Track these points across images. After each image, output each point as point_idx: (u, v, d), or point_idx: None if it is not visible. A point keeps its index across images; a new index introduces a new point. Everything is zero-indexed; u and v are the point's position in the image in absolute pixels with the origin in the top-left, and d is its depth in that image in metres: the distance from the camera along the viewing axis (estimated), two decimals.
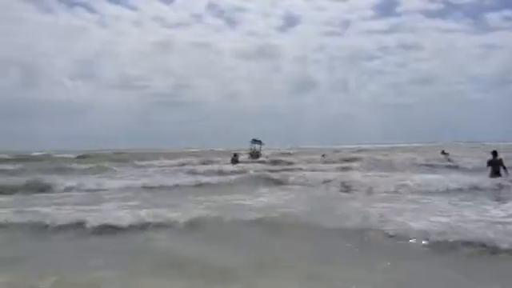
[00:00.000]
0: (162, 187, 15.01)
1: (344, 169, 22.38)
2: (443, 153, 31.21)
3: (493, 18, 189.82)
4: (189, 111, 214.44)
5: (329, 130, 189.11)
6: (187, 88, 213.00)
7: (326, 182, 14.54)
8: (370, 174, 17.46)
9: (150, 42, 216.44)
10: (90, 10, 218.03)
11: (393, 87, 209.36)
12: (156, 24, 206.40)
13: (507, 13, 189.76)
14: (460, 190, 12.14)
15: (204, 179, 16.80)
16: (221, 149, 68.49)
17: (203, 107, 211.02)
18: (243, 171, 21.14)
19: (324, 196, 12.19)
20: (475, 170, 18.79)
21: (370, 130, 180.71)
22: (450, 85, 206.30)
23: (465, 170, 20.07)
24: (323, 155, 36.90)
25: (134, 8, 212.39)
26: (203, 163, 30.38)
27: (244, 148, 38.57)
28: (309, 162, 29.79)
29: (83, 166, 26.64)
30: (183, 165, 29.27)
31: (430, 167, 22.58)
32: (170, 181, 16.48)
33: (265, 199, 11.00)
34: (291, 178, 15.90)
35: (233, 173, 20.68)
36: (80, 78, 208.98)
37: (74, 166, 27.88)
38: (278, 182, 15.50)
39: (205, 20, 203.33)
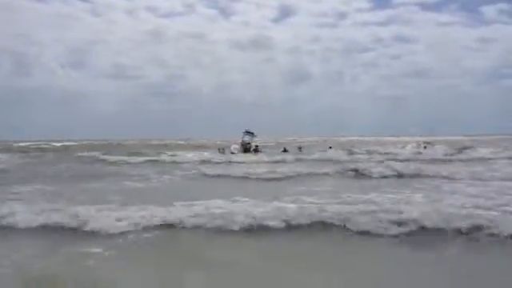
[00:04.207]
0: None
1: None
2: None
3: (488, 11, 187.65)
4: (182, 101, 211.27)
5: (322, 122, 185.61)
6: (180, 78, 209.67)
7: None
8: None
9: (142, 32, 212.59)
10: None
11: (387, 79, 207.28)
12: (149, 13, 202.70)
13: (503, 6, 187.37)
14: None
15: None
16: (216, 139, 65.92)
17: (196, 97, 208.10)
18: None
19: None
20: None
21: (363, 122, 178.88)
22: (444, 78, 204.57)
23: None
24: (299, 148, 34.65)
25: None
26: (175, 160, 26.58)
27: (232, 140, 36.89)
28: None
29: None
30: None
31: None
32: None
33: None
34: None
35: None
36: (72, 66, 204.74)
37: None
38: None
39: (198, 10, 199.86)
